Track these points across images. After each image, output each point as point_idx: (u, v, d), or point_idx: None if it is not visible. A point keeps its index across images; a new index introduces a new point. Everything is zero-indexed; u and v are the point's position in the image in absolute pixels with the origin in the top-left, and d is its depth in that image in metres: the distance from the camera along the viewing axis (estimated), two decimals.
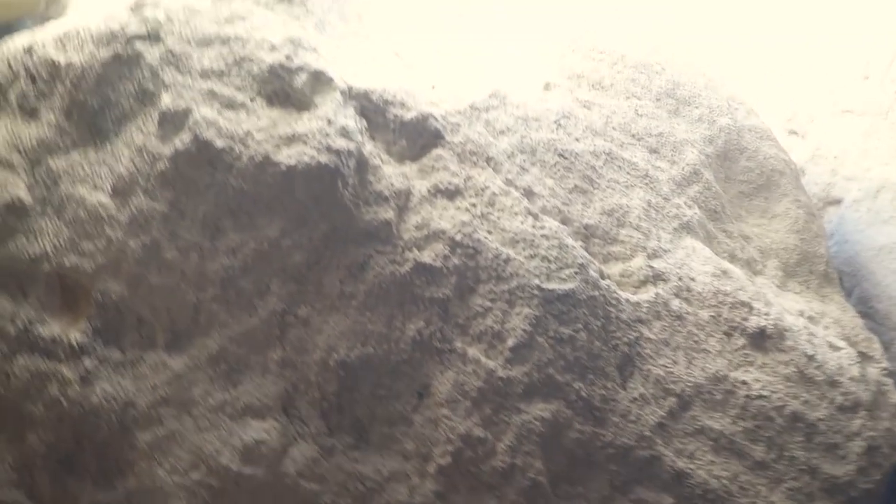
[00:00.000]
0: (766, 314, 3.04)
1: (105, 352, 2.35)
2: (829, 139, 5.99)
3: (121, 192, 2.61)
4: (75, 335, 2.33)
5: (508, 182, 3.02)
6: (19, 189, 2.84)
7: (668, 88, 4.80)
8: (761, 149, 4.97)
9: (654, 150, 4.30)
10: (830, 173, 5.98)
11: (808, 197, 4.98)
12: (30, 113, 2.86)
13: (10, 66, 2.97)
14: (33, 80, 2.82)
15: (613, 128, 4.20)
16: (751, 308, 3.04)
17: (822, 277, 3.66)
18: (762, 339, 2.98)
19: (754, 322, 2.99)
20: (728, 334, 3.03)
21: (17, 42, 3.06)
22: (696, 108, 4.87)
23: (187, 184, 2.54)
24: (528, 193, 3.08)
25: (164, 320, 2.43)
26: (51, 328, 2.33)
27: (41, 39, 2.90)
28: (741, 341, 3.00)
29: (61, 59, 2.78)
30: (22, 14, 5.14)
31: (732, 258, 3.93)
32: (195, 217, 2.54)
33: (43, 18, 5.62)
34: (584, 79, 4.41)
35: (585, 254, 3.01)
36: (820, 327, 3.28)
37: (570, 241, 2.96)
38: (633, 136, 4.24)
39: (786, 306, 3.27)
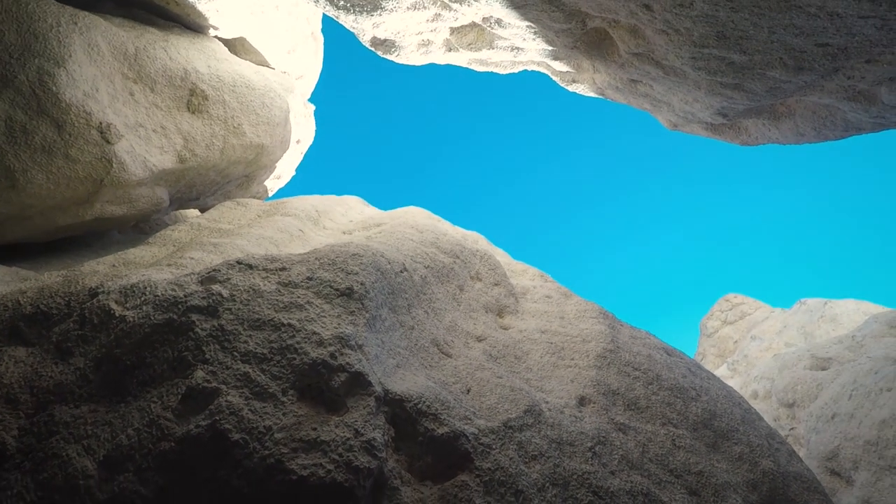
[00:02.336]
0: None
1: None
2: (880, 494, 5.49)
3: (112, 464, 2.34)
4: None
5: None
6: (10, 433, 2.63)
7: (704, 418, 4.63)
8: None
9: (694, 493, 3.91)
10: None
11: None
12: (63, 353, 2.81)
13: (68, 303, 3.04)
14: (82, 323, 2.84)
15: (650, 459, 3.91)
16: None
17: None
18: None
19: None
20: None
21: (88, 282, 3.18)
22: (736, 444, 4.61)
23: (185, 473, 2.27)
24: None
25: None
26: None
27: (109, 286, 3.01)
28: None
29: (118, 310, 2.83)
30: (113, 227, 5.61)
31: None
32: None
33: (135, 230, 6.09)
34: (620, 396, 4.31)
35: None
36: None
37: None
38: (671, 472, 3.92)
39: None
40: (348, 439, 2.35)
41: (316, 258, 3.26)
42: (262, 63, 7.95)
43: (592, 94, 6.77)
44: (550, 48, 4.82)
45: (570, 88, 6.84)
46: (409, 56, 5.65)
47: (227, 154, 5.95)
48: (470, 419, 2.90)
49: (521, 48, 5.11)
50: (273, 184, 9.42)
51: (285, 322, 2.75)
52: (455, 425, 2.76)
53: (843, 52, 3.43)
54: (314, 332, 2.73)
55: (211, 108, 5.61)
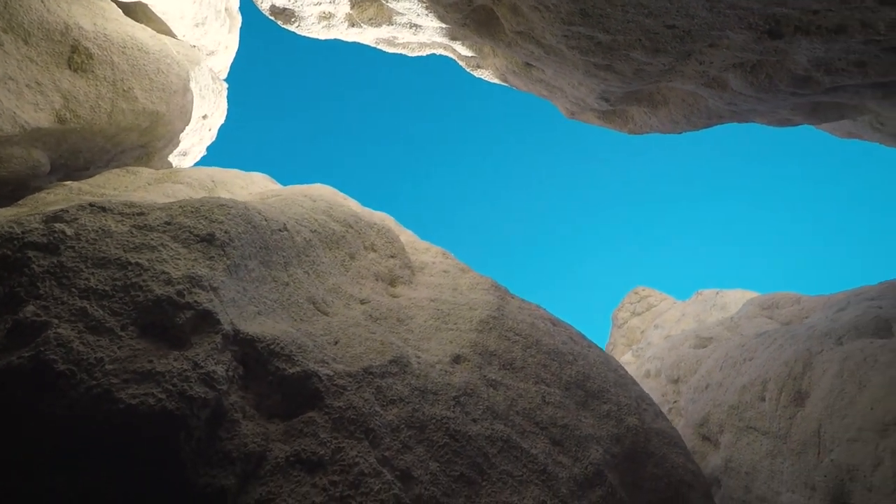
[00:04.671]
0: None
1: None
2: (738, 453, 6.04)
3: None
4: None
5: (384, 461, 2.73)
6: None
7: (578, 379, 4.92)
8: (669, 456, 4.89)
9: (557, 443, 4.16)
10: (744, 490, 5.83)
11: None
12: None
13: None
14: None
15: (517, 412, 4.11)
16: None
17: None
18: None
19: None
20: None
21: None
22: (605, 403, 4.93)
23: (1, 406, 2.19)
24: (405, 477, 2.76)
25: None
26: None
27: None
28: None
29: None
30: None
31: None
32: None
33: (11, 202, 5.67)
34: (497, 357, 4.50)
35: None
36: None
37: None
38: (536, 424, 4.14)
39: None
40: (185, 371, 2.34)
41: (179, 206, 3.21)
42: (166, 33, 7.62)
43: (497, 81, 7.01)
44: (444, 25, 4.98)
45: (476, 74, 7.05)
46: (311, 28, 5.63)
47: (116, 119, 5.67)
48: (327, 363, 2.95)
49: (420, 25, 5.23)
50: (179, 161, 9.02)
51: (133, 261, 2.69)
52: (308, 366, 2.80)
53: (689, 35, 3.79)
54: (163, 272, 2.69)
55: (96, 67, 5.34)
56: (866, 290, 6.61)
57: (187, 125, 7.31)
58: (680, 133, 6.29)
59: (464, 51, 6.27)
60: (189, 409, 2.24)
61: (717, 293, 11.73)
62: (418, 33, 5.50)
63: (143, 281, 2.62)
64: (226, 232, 3.15)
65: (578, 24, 3.84)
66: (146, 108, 5.92)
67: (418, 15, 4.86)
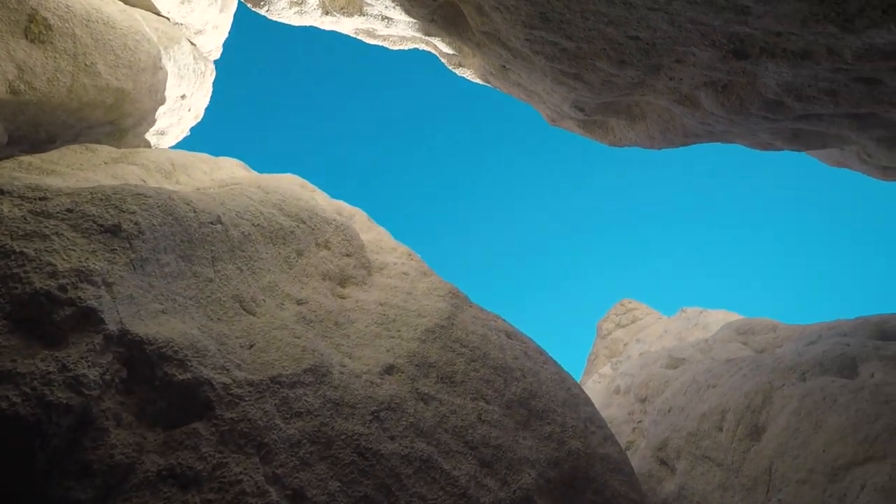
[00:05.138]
0: None
1: None
2: (692, 482, 5.87)
3: None
4: None
5: (274, 478, 2.57)
6: None
7: (522, 397, 4.74)
8: (610, 483, 4.71)
9: (486, 464, 3.98)
10: None
11: None
12: None
13: None
14: None
15: (446, 430, 3.94)
16: None
17: None
18: None
19: None
20: None
21: None
22: (549, 423, 4.75)
23: None
24: (296, 497, 2.60)
25: None
26: None
27: None
28: None
29: None
30: None
31: None
32: None
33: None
34: (435, 369, 4.32)
35: None
36: None
37: None
38: (466, 443, 3.96)
39: None
40: (49, 373, 2.18)
41: (90, 192, 3.04)
42: (149, 9, 7.44)
43: (479, 81, 6.81)
44: (413, 20, 4.79)
45: (459, 72, 6.84)
46: (282, 13, 5.45)
47: (76, 93, 5.50)
48: (227, 370, 2.78)
49: (391, 18, 5.04)
50: (157, 140, 8.85)
51: (18, 250, 2.53)
52: (201, 373, 2.64)
53: (653, 48, 3.58)
54: (49, 263, 2.52)
55: (56, 39, 5.16)
56: (841, 324, 6.40)
57: (160, 104, 7.12)
58: (658, 149, 6.08)
59: (444, 48, 6.06)
60: (46, 415, 2.08)
61: (701, 312, 11.52)
62: (391, 26, 5.30)
63: (25, 272, 2.45)
64: (136, 223, 2.98)
65: (540, 29, 3.64)
66: (110, 85, 5.75)
67: (386, 7, 4.66)
